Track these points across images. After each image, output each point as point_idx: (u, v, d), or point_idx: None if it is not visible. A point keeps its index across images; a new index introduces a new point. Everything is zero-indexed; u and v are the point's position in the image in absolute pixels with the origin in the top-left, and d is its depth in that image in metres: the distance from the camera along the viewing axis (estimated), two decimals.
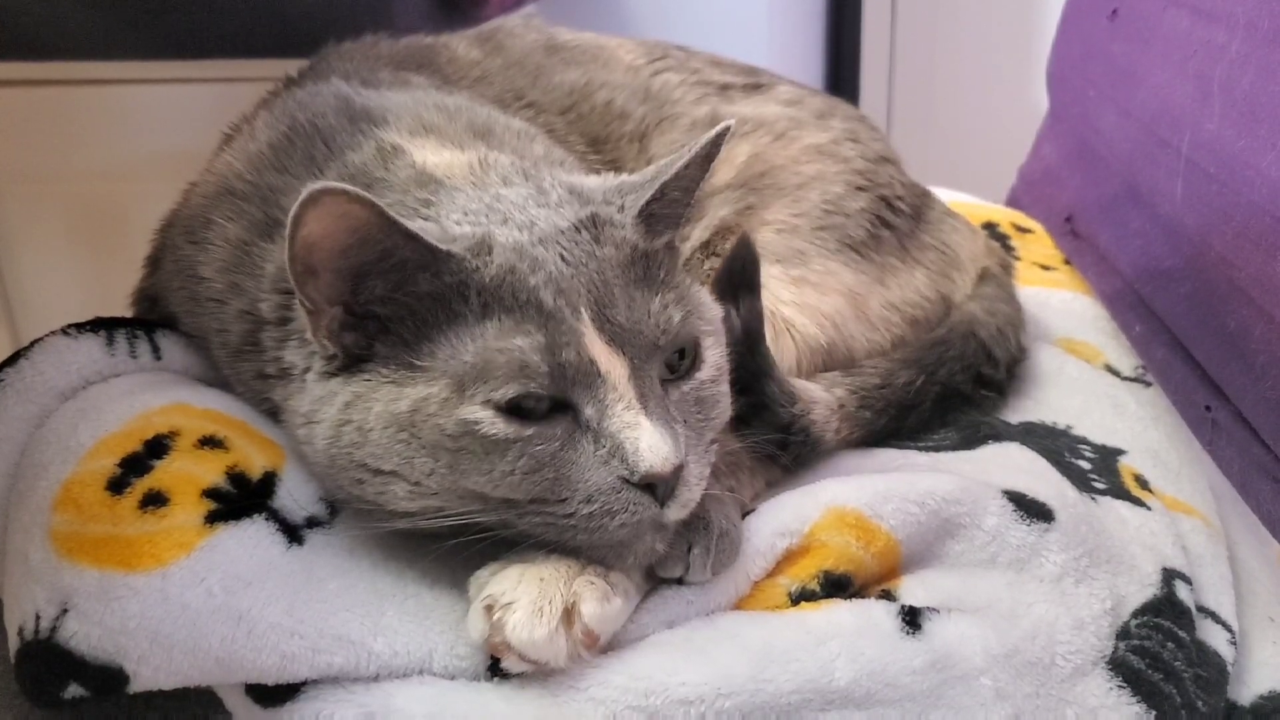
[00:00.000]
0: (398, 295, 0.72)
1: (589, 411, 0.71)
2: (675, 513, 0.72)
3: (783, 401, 0.93)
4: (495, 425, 0.69)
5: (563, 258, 0.73)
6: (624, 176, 0.82)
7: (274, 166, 0.89)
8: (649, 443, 0.70)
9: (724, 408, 0.80)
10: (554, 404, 0.71)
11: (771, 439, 0.92)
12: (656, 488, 0.70)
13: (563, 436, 0.70)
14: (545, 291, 0.71)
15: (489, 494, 0.70)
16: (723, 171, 1.09)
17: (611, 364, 0.71)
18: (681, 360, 0.77)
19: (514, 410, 0.70)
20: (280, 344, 0.80)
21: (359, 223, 0.68)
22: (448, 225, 0.75)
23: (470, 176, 0.83)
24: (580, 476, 0.70)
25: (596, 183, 0.82)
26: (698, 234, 1.08)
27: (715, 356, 0.79)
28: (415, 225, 0.70)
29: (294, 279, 0.71)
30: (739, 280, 0.93)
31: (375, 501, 0.74)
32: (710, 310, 0.82)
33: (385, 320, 0.73)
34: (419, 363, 0.71)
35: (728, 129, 0.79)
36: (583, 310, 0.71)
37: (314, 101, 0.95)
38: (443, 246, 0.70)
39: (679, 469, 0.71)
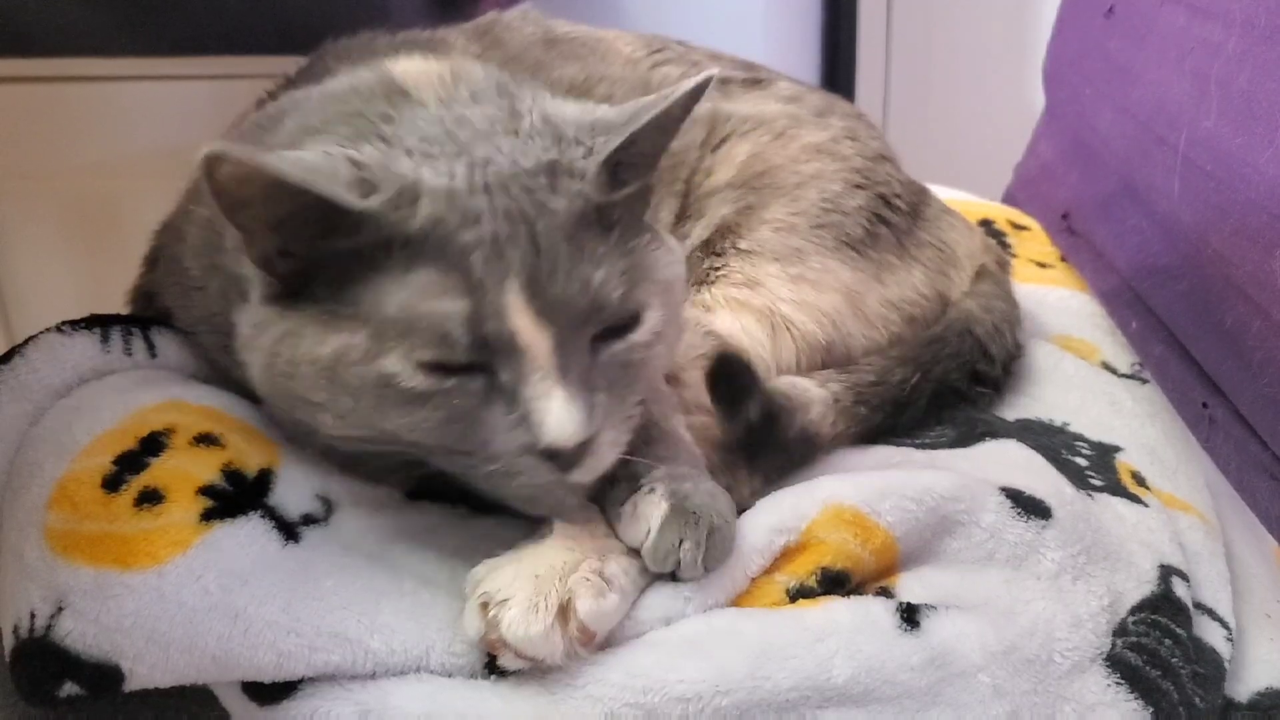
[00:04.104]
0: (320, 244, 0.70)
1: (505, 377, 0.70)
2: (582, 476, 0.72)
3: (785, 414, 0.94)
4: (414, 379, 0.69)
5: (506, 211, 0.69)
6: (601, 112, 0.77)
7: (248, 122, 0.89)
8: (558, 417, 0.69)
9: (656, 368, 0.78)
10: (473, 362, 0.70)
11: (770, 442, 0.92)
12: (560, 456, 0.70)
13: (479, 393, 0.70)
14: (476, 254, 0.68)
15: (404, 437, 0.71)
16: (723, 171, 1.09)
17: (536, 337, 0.69)
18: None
19: (433, 365, 0.69)
20: (238, 265, 0.79)
21: (258, 187, 0.66)
22: (393, 158, 0.71)
23: (439, 89, 0.78)
24: (489, 436, 0.70)
25: (574, 114, 0.77)
26: (698, 232, 1.08)
27: (655, 319, 0.75)
28: (338, 171, 0.68)
29: (224, 213, 0.69)
30: (738, 385, 0.90)
31: (309, 425, 0.74)
32: (663, 270, 0.78)
33: (313, 264, 0.71)
34: (343, 309, 0.70)
35: (709, 80, 0.75)
36: (513, 280, 0.68)
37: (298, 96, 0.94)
38: (356, 206, 0.67)
39: (587, 442, 0.70)
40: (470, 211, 0.69)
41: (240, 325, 0.77)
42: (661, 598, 0.76)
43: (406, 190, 0.69)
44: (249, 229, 0.70)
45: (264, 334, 0.73)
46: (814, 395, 0.98)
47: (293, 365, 0.72)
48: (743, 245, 1.06)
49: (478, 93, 0.78)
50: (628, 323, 0.74)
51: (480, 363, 0.69)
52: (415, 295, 0.68)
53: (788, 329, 1.01)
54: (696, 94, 0.74)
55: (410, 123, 0.74)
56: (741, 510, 0.82)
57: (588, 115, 0.76)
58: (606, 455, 0.73)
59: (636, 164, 0.75)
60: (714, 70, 0.76)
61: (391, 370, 0.68)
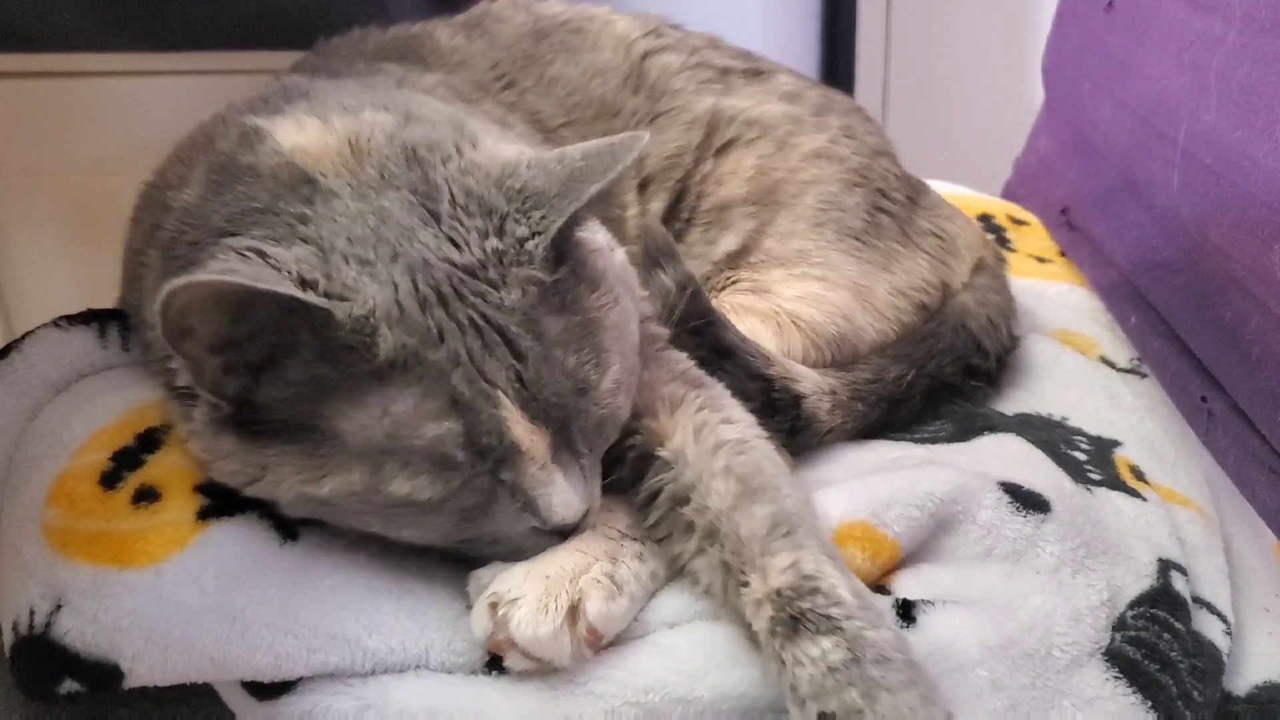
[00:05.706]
0: (284, 366, 0.66)
1: (505, 475, 0.70)
2: (582, 532, 0.74)
3: (749, 350, 0.94)
4: (425, 490, 0.68)
5: (470, 321, 0.67)
6: (529, 178, 0.72)
7: (161, 171, 0.87)
8: (562, 499, 0.71)
9: (622, 415, 0.76)
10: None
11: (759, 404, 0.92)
12: (566, 527, 0.72)
13: (485, 489, 0.70)
14: (456, 375, 0.67)
15: (416, 542, 0.73)
16: (734, 185, 1.10)
17: (535, 439, 0.69)
18: None
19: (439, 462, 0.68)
20: (165, 360, 0.74)
21: (231, 304, 0.63)
22: (333, 265, 0.67)
23: (345, 171, 0.73)
24: (495, 526, 0.71)
25: (499, 173, 0.73)
26: (726, 242, 1.09)
27: (615, 369, 0.74)
28: (295, 276, 0.64)
29: (169, 343, 0.64)
30: (659, 253, 0.95)
31: None
32: (610, 311, 0.75)
33: (278, 402, 0.68)
34: (325, 446, 0.68)
35: (645, 140, 0.73)
36: (500, 395, 0.68)
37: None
38: (327, 306, 0.64)
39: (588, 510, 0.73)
40: (429, 330, 0.67)
41: (192, 440, 0.73)
42: (670, 603, 0.76)
43: (365, 320, 0.65)
44: (196, 357, 0.65)
45: (229, 463, 0.71)
46: (808, 374, 0.98)
47: (275, 495, 0.71)
48: (752, 259, 1.08)
49: (387, 169, 0.73)
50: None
51: (483, 467, 0.69)
52: (401, 424, 0.67)
53: (795, 325, 1.02)
54: (634, 154, 0.72)
55: (330, 220, 0.69)
56: None
57: (517, 180, 0.72)
58: (598, 503, 0.75)
59: (575, 229, 0.74)
60: (646, 135, 0.73)
61: (401, 493, 0.68)
